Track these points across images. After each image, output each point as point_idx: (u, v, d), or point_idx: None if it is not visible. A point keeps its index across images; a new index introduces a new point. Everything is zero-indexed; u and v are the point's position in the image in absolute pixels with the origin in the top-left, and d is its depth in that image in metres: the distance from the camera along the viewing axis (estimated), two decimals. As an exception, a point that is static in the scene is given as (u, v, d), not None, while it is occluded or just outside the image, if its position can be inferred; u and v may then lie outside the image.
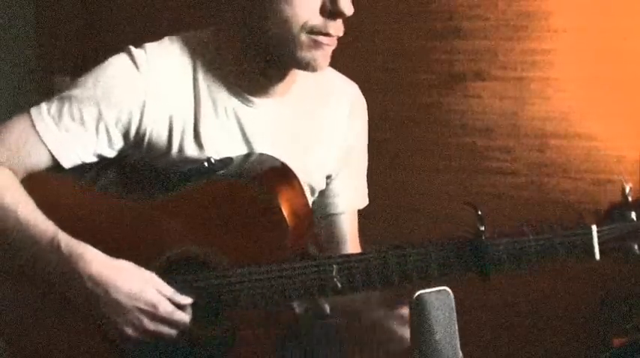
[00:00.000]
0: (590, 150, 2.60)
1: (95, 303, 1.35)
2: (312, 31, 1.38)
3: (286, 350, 1.42)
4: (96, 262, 1.35)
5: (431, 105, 2.75)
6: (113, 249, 1.37)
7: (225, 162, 1.44)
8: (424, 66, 2.75)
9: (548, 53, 2.62)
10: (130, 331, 1.36)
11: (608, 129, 2.57)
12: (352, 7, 1.39)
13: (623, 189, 1.31)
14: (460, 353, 1.25)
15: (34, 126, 1.42)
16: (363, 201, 1.66)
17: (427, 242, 1.34)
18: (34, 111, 1.43)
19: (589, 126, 2.59)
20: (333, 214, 1.61)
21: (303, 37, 1.38)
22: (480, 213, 1.32)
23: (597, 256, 1.30)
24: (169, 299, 1.37)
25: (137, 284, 1.35)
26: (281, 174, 1.43)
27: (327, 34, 1.38)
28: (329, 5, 1.37)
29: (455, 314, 1.25)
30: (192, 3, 2.91)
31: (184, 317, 1.37)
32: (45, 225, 1.37)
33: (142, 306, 1.35)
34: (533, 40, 2.63)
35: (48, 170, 1.44)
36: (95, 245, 1.37)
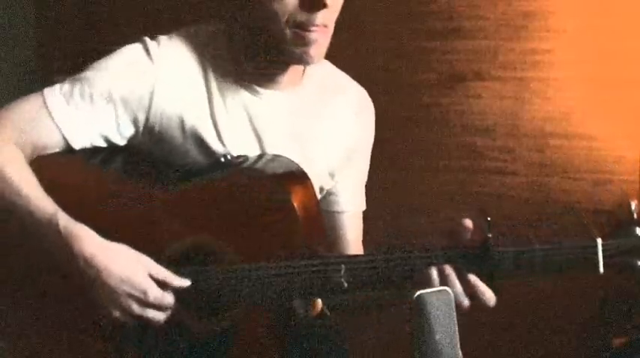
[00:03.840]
0: (590, 150, 2.60)
1: (87, 284, 1.36)
2: (296, 25, 1.38)
3: (288, 349, 1.42)
4: (91, 244, 1.35)
5: (431, 105, 2.75)
6: (121, 233, 1.38)
7: (240, 159, 1.45)
8: (424, 66, 2.75)
9: (548, 53, 2.61)
10: (117, 314, 1.37)
11: (608, 129, 2.56)
12: None
13: (629, 206, 1.32)
14: (460, 353, 1.25)
15: (45, 103, 1.44)
16: (363, 205, 1.66)
17: (435, 247, 1.35)
18: (47, 90, 1.47)
19: (589, 126, 2.59)
20: (335, 211, 1.62)
21: (289, 31, 1.39)
22: (489, 219, 1.33)
23: (601, 269, 1.32)
24: (162, 280, 1.37)
25: (129, 268, 1.36)
26: (295, 175, 1.44)
27: (313, 26, 1.39)
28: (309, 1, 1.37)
29: (455, 314, 1.25)
30: (192, 2, 2.91)
31: (169, 297, 1.38)
32: (45, 203, 1.38)
33: (132, 291, 1.36)
34: (533, 40, 2.63)
35: (58, 152, 1.45)
36: (102, 228, 1.37)
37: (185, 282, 1.39)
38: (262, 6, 1.40)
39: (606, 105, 2.56)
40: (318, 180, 1.54)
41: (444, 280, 1.32)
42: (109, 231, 1.37)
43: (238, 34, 1.48)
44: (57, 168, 1.45)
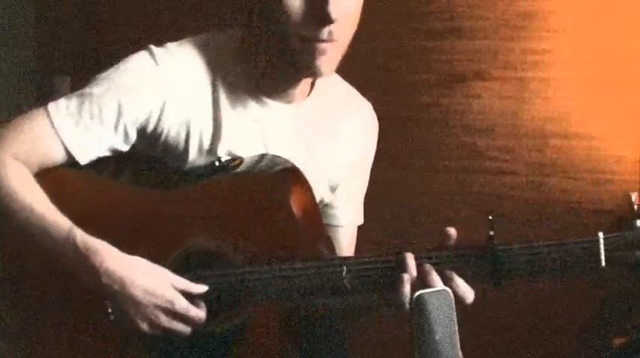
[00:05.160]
0: (590, 150, 2.60)
1: (112, 298, 1.36)
2: (305, 38, 1.37)
3: (298, 346, 1.43)
4: (111, 258, 1.35)
5: (431, 105, 2.75)
6: (128, 242, 1.37)
7: (236, 161, 1.45)
8: (424, 66, 2.75)
9: (548, 53, 2.61)
10: (145, 326, 1.36)
11: (608, 129, 2.56)
12: (346, 10, 1.36)
13: (629, 198, 1.33)
14: (460, 353, 1.25)
15: (52, 123, 1.42)
16: (360, 219, 1.66)
17: (440, 248, 1.35)
18: (52, 107, 1.43)
19: (589, 126, 2.59)
20: (332, 225, 1.62)
21: (298, 44, 1.37)
22: (491, 218, 1.33)
23: (603, 263, 1.31)
24: (184, 290, 1.37)
25: (152, 280, 1.35)
26: (293, 175, 1.44)
27: (320, 40, 1.36)
28: (316, 11, 1.34)
29: (455, 314, 1.25)
30: (192, 3, 2.91)
31: (199, 313, 1.37)
32: (59, 220, 1.37)
33: (158, 302, 1.35)
34: (533, 40, 2.63)
35: (63, 165, 1.44)
36: (110, 238, 1.37)
37: (202, 288, 1.38)
38: (273, 17, 1.38)
39: (606, 105, 2.56)
40: (319, 193, 1.53)
41: (423, 278, 1.31)
42: (114, 242, 1.37)
43: (250, 44, 1.46)
44: (54, 181, 1.43)
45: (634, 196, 1.34)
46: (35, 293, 1.45)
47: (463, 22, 2.70)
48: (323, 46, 1.37)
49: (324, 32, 1.36)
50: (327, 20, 1.34)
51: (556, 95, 2.62)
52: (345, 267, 1.35)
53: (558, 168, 2.65)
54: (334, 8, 1.34)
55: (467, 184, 2.74)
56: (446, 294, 1.26)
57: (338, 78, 1.58)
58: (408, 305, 1.30)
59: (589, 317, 2.60)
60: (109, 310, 1.38)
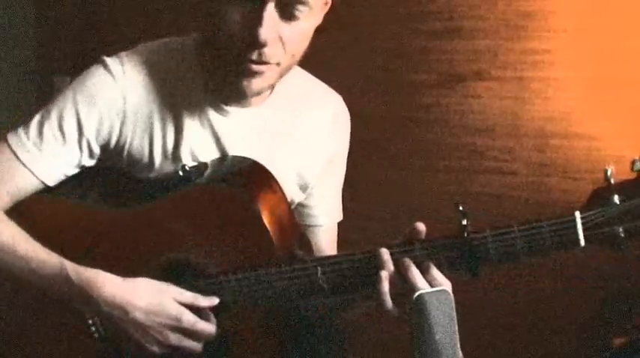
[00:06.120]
0: (590, 150, 2.60)
1: (116, 325, 1.35)
2: (237, 56, 1.34)
3: (288, 349, 1.42)
4: (108, 285, 1.33)
5: (431, 105, 2.75)
6: (101, 264, 1.36)
7: (200, 168, 1.43)
8: (424, 66, 2.75)
9: (548, 53, 2.61)
10: (154, 348, 1.34)
11: (608, 129, 2.56)
12: (287, 33, 1.33)
13: (605, 172, 1.29)
14: (460, 353, 1.25)
15: (16, 155, 1.40)
16: (339, 216, 1.65)
17: (412, 241, 1.34)
18: (12, 139, 1.42)
19: (589, 126, 2.59)
20: (311, 226, 1.61)
21: (234, 64, 1.36)
22: (461, 208, 1.31)
23: (582, 242, 1.28)
24: (191, 304, 1.35)
25: (155, 299, 1.34)
26: (258, 175, 1.43)
27: (250, 61, 1.34)
28: (248, 32, 1.31)
29: (455, 314, 1.25)
30: (192, 3, 2.91)
31: (208, 326, 1.36)
32: (47, 257, 1.36)
33: (164, 321, 1.34)
34: (533, 40, 2.62)
35: (34, 194, 1.43)
36: (83, 261, 1.35)
37: (213, 300, 1.36)
38: (215, 36, 1.37)
39: (606, 105, 2.56)
40: (289, 194, 1.51)
41: (403, 273, 1.30)
42: (88, 265, 1.35)
43: (202, 50, 1.45)
44: (30, 211, 1.42)
45: (609, 170, 1.29)
46: (35, 294, 1.44)
47: (463, 22, 2.69)
48: (255, 67, 1.34)
49: (254, 54, 1.33)
50: (255, 43, 1.31)
51: (556, 95, 2.62)
52: (319, 268, 1.34)
53: (558, 168, 2.64)
54: (266, 32, 1.30)
55: (467, 184, 2.74)
56: (446, 294, 1.26)
57: (302, 73, 1.56)
58: (389, 303, 1.29)
59: (589, 317, 2.60)
60: (92, 328, 1.38)
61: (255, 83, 1.37)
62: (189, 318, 1.34)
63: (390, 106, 2.76)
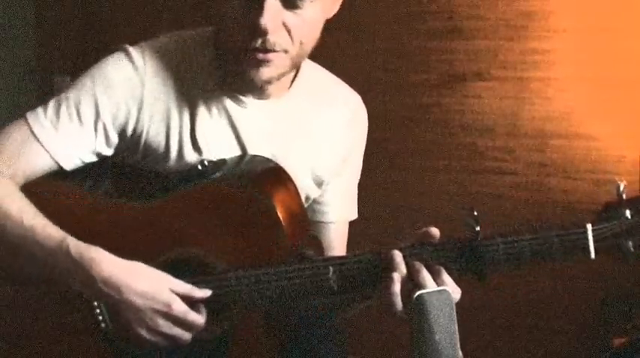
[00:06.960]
0: (590, 150, 2.60)
1: (110, 305, 1.35)
2: (241, 46, 1.36)
3: (288, 349, 1.42)
4: (107, 264, 1.33)
5: (431, 105, 2.75)
6: (112, 252, 1.36)
7: (219, 164, 1.44)
8: (424, 66, 2.75)
9: (548, 53, 2.62)
10: (143, 332, 1.35)
11: (608, 129, 2.57)
12: (291, 20, 1.34)
13: (618, 187, 1.30)
14: (460, 353, 1.25)
15: (32, 132, 1.41)
16: (353, 214, 1.65)
17: (423, 243, 1.34)
18: (30, 116, 1.43)
19: (589, 126, 2.59)
20: (322, 222, 1.61)
21: (240, 53, 1.37)
22: (475, 213, 1.32)
23: (592, 255, 1.29)
24: (185, 295, 1.36)
25: (150, 284, 1.34)
26: (275, 176, 1.43)
27: (255, 50, 1.35)
28: (250, 21, 1.33)
29: (455, 314, 1.25)
30: (192, 3, 2.91)
31: (198, 318, 1.36)
32: (51, 230, 1.36)
33: (156, 306, 1.34)
34: (533, 40, 2.63)
35: (48, 176, 1.43)
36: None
37: (205, 293, 1.37)
38: (220, 27, 1.39)
39: (606, 105, 2.56)
40: (304, 189, 1.51)
41: (414, 276, 1.30)
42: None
43: (217, 43, 1.46)
44: (44, 194, 1.42)
45: (622, 185, 1.31)
46: (35, 294, 1.44)
47: (463, 22, 2.70)
48: (261, 56, 1.35)
49: (258, 42, 1.34)
50: (258, 31, 1.32)
51: (556, 95, 2.62)
52: (331, 268, 1.34)
53: (558, 168, 2.65)
54: (267, 19, 1.31)
55: (467, 184, 2.74)
56: (446, 294, 1.25)
57: (321, 69, 1.57)
58: (400, 304, 1.29)
59: (589, 317, 2.61)
60: (100, 318, 1.38)
61: (264, 72, 1.38)
62: (180, 306, 1.35)
63: (390, 106, 2.77)
